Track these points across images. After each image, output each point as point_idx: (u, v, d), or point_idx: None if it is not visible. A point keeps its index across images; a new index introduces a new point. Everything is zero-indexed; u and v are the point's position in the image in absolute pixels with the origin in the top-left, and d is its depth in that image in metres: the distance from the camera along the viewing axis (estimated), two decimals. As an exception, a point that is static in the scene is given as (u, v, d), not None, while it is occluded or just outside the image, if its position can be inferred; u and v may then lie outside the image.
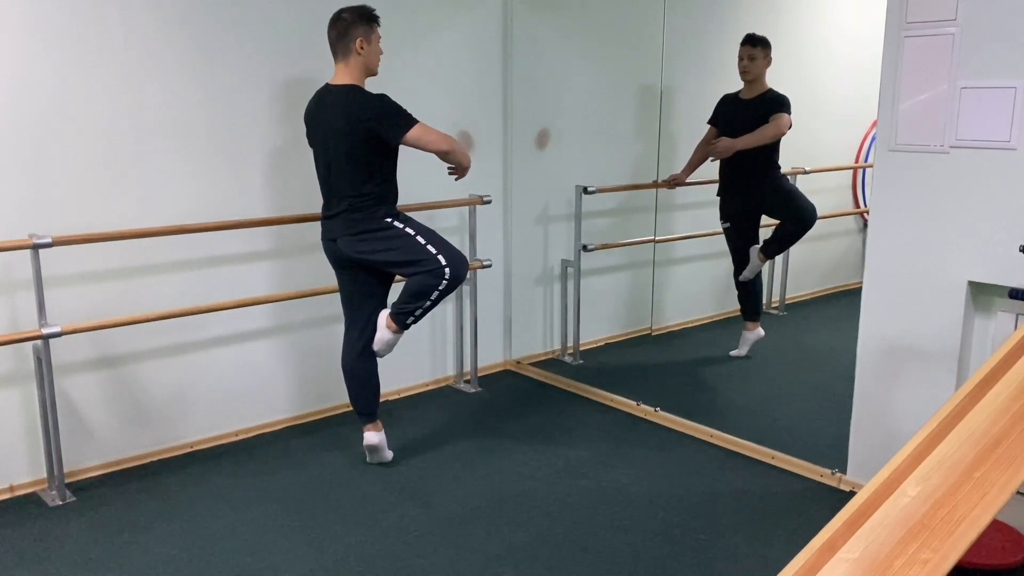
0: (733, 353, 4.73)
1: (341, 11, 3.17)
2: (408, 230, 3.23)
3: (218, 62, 3.45)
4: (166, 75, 3.34)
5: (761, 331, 4.70)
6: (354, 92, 3.15)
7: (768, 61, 4.40)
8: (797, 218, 4.52)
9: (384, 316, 3.31)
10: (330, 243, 3.31)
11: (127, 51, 3.23)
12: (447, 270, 3.18)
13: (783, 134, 4.37)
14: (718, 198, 4.63)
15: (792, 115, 4.36)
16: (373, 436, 3.41)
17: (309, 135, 3.31)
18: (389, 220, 3.23)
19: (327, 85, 3.23)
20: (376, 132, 3.11)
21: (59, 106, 3.12)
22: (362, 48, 3.17)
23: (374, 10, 3.22)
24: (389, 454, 3.50)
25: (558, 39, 4.54)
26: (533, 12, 4.43)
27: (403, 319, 3.26)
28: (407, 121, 3.12)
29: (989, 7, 2.65)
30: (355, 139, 3.13)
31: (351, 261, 3.27)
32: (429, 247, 3.20)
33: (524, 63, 4.44)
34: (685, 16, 4.75)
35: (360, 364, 3.38)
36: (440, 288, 3.20)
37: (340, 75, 3.20)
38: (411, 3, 3.97)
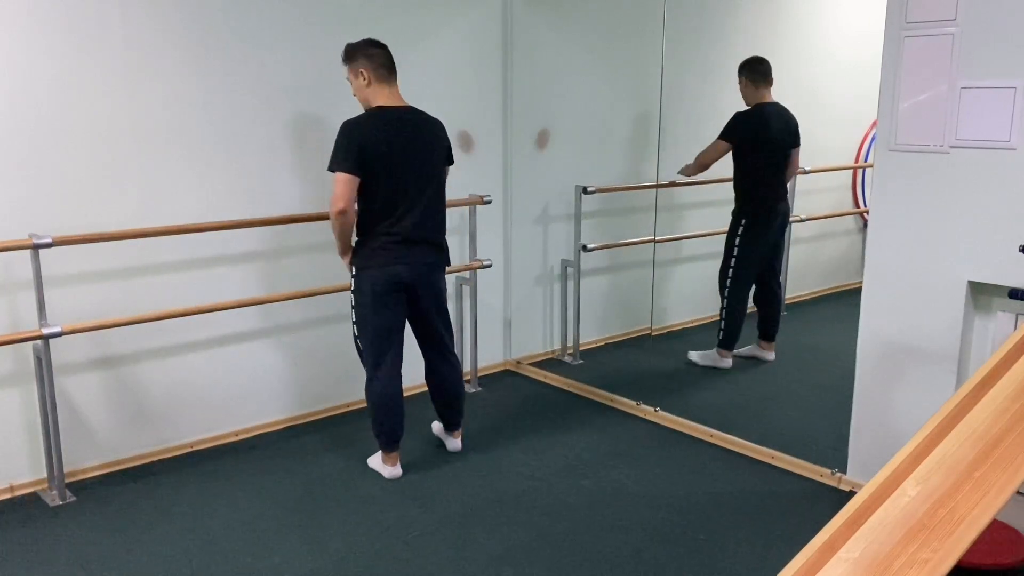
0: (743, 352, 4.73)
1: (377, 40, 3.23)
2: None
3: (218, 62, 3.45)
4: (166, 75, 3.34)
5: (772, 355, 4.71)
6: (429, 116, 3.27)
7: (743, 83, 4.42)
8: (771, 274, 4.58)
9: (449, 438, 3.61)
10: (406, 267, 3.19)
11: (127, 51, 3.23)
12: None
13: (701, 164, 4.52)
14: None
15: (724, 132, 4.43)
16: (398, 470, 3.38)
17: (368, 159, 3.08)
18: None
19: (396, 107, 3.16)
20: (445, 158, 3.32)
21: (59, 106, 3.12)
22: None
23: None
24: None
25: (558, 39, 4.54)
26: (533, 12, 4.43)
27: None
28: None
29: (989, 7, 2.65)
30: (440, 166, 3.29)
31: (408, 289, 3.24)
32: None
33: (524, 63, 4.44)
34: (685, 16, 4.75)
35: (397, 392, 3.32)
36: None
37: (396, 97, 3.19)
38: (411, 3, 3.97)
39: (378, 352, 3.24)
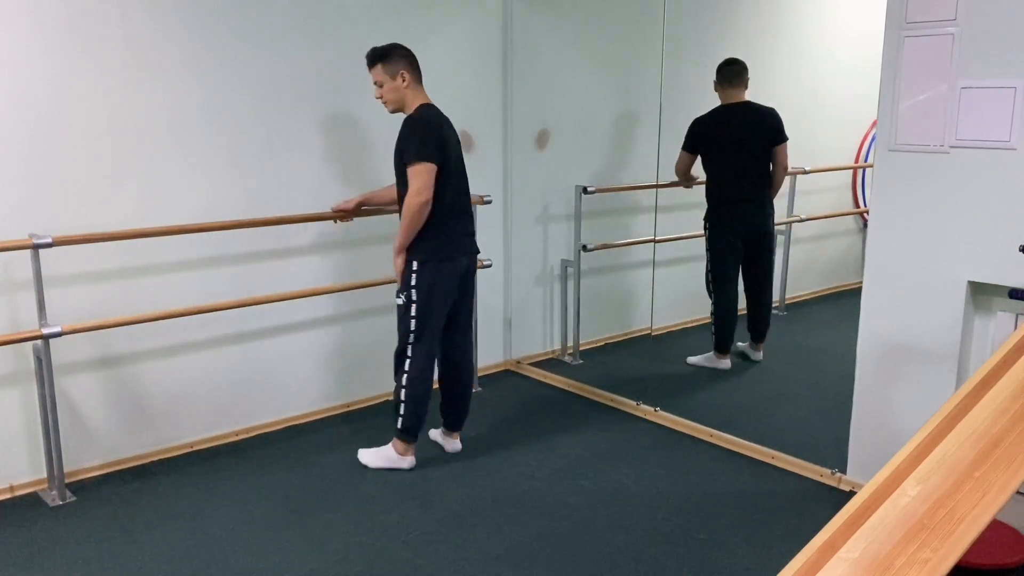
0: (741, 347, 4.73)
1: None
2: None
3: (219, 62, 3.45)
4: (166, 75, 3.34)
5: (760, 355, 4.71)
6: None
7: (715, 85, 4.42)
8: (751, 277, 4.54)
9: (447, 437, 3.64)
10: (468, 258, 3.37)
11: (127, 51, 3.23)
12: None
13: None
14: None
15: (684, 138, 4.48)
16: (415, 459, 3.45)
17: (446, 152, 3.22)
18: None
19: (437, 107, 3.29)
20: None
21: (59, 106, 3.12)
22: None
23: None
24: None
25: (558, 39, 4.54)
26: (533, 12, 4.43)
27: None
28: None
29: (989, 7, 2.65)
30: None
31: (464, 279, 3.37)
32: None
33: (524, 63, 4.44)
34: (685, 16, 4.75)
35: (432, 383, 3.42)
36: None
37: (428, 97, 3.30)
38: (411, 3, 3.97)
39: (434, 342, 3.34)
